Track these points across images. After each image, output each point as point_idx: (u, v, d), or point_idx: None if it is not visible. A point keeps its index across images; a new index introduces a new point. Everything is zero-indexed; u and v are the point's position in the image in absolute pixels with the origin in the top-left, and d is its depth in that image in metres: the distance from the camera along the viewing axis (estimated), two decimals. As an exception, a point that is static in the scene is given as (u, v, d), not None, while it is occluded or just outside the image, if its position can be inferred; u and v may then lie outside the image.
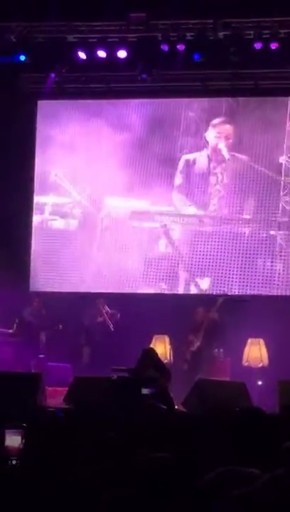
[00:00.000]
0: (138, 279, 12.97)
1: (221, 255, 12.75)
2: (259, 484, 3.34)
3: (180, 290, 12.96)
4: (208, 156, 13.06)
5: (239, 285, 12.68)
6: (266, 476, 3.40)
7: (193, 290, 12.91)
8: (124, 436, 4.26)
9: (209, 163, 13.04)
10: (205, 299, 12.48)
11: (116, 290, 12.85)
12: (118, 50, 12.15)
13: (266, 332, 11.45)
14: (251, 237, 12.74)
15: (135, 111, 13.25)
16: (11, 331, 12.18)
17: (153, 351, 9.64)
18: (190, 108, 13.14)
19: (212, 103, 13.12)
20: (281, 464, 3.56)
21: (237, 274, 12.67)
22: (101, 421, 4.78)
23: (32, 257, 13.29)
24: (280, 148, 12.69)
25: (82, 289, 13.02)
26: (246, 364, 11.70)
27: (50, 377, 10.55)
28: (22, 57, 12.38)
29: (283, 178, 12.68)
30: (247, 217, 12.79)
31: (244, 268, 12.65)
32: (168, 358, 11.74)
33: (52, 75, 12.77)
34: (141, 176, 13.08)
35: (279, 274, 12.61)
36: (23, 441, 4.20)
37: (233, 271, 12.68)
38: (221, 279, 12.73)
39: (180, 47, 11.95)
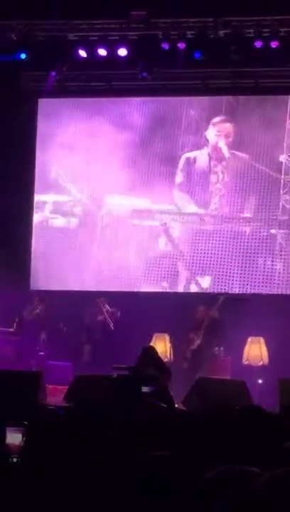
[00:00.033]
0: (138, 277, 12.97)
1: (221, 254, 12.76)
2: (259, 483, 3.35)
3: (181, 289, 12.96)
4: (209, 155, 13.06)
5: (240, 284, 12.68)
6: (266, 474, 3.40)
7: (194, 289, 12.92)
8: (124, 435, 4.27)
9: (209, 162, 13.05)
10: (205, 298, 12.49)
11: (116, 288, 12.85)
12: (118, 49, 12.16)
13: (267, 330, 11.45)
14: (252, 235, 12.74)
15: (136, 109, 13.25)
16: (11, 329, 12.19)
17: (153, 349, 9.64)
18: (191, 106, 13.14)
19: (213, 101, 13.13)
20: (281, 463, 3.56)
21: (237, 273, 12.68)
22: (102, 419, 4.78)
23: (32, 255, 13.29)
24: (280, 146, 12.69)
25: (83, 287, 13.02)
26: (246, 362, 11.71)
27: (51, 375, 10.55)
28: (23, 56, 12.39)
29: (283, 177, 12.68)
30: (248, 215, 12.79)
31: (245, 267, 12.66)
32: (169, 356, 11.75)
33: (53, 73, 12.76)
34: (142, 174, 13.08)
35: (279, 272, 12.62)
36: (24, 439, 4.21)
37: (233, 269, 12.69)
38: (221, 278, 12.73)
39: (181, 45, 11.95)
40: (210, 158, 13.06)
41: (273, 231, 12.70)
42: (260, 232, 12.72)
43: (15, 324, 12.22)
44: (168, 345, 11.94)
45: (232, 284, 12.70)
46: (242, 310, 11.67)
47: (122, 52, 12.16)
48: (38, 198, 13.44)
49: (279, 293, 12.54)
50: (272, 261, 12.66)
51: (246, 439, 3.76)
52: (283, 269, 12.61)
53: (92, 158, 13.21)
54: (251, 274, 12.62)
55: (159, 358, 9.37)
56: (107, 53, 12.22)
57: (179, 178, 13.09)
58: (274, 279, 12.59)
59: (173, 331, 11.99)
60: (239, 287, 12.68)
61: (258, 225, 12.73)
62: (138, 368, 8.87)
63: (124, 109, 13.29)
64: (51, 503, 3.47)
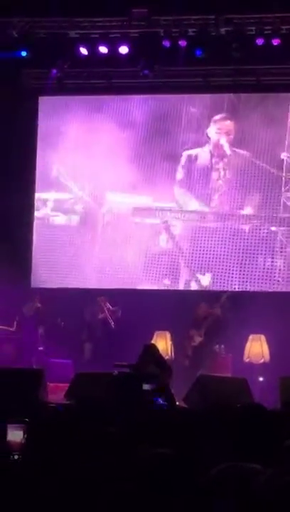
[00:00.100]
0: (139, 275, 12.97)
1: (222, 251, 12.76)
2: (260, 481, 3.35)
3: (181, 286, 12.97)
4: (210, 152, 13.05)
5: (240, 281, 12.68)
6: (268, 472, 3.40)
7: (194, 286, 12.92)
8: (125, 432, 4.27)
9: (211, 159, 13.04)
10: (205, 295, 12.50)
11: (117, 286, 12.85)
12: (120, 46, 12.15)
13: (268, 328, 11.46)
14: (253, 233, 12.74)
15: (137, 107, 13.24)
16: (11, 329, 12.19)
17: (154, 347, 9.65)
18: (192, 104, 13.13)
19: (214, 99, 13.12)
20: (282, 461, 3.56)
21: (238, 270, 12.68)
22: (103, 416, 4.79)
23: (33, 253, 13.29)
24: (282, 144, 12.69)
25: (83, 285, 13.02)
26: (247, 360, 11.71)
27: (52, 373, 10.56)
28: (24, 53, 12.38)
29: (284, 174, 12.68)
30: (249, 213, 12.79)
31: (245, 264, 12.66)
32: (170, 354, 11.76)
33: (54, 71, 12.75)
34: (143, 172, 13.07)
35: (280, 270, 12.62)
36: (25, 436, 4.21)
37: (234, 267, 12.69)
38: (222, 275, 12.73)
39: (182, 43, 11.95)
40: (212, 155, 13.05)
41: (273, 228, 12.70)
42: (261, 229, 12.72)
43: (15, 323, 12.23)
44: (169, 342, 11.95)
45: (233, 281, 12.70)
46: (243, 308, 11.68)
47: (123, 49, 12.16)
48: (38, 195, 13.44)
49: (280, 290, 12.54)
50: (273, 258, 12.66)
51: (247, 437, 3.76)
52: (284, 267, 12.61)
53: (93, 156, 13.20)
54: (252, 272, 12.62)
55: (160, 356, 9.38)
56: (108, 51, 12.21)
57: (180, 175, 13.09)
58: (275, 277, 12.59)
59: (174, 329, 11.99)
60: (240, 285, 12.68)
61: (259, 222, 12.73)
62: (139, 365, 8.87)
63: (125, 106, 13.28)
64: (52, 500, 3.47)
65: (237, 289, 12.59)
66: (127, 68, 12.59)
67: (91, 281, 13.11)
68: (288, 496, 3.16)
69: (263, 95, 12.93)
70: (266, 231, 12.71)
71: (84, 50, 12.29)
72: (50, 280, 13.18)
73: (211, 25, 11.85)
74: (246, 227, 12.78)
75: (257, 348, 11.69)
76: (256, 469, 3.51)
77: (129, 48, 12.14)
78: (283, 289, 12.54)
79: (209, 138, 13.06)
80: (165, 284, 12.97)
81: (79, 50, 12.30)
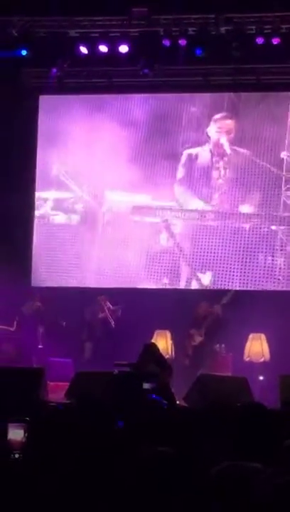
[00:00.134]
0: (139, 274, 12.98)
1: (222, 250, 12.76)
2: (260, 480, 3.35)
3: (182, 285, 12.97)
4: (211, 151, 13.06)
5: (241, 280, 12.69)
6: (268, 471, 3.41)
7: (195, 285, 12.93)
8: (126, 431, 4.27)
9: (211, 158, 13.05)
10: (206, 294, 12.50)
11: (117, 285, 12.85)
12: (120, 45, 12.15)
13: (268, 327, 11.46)
14: (253, 231, 12.74)
15: (137, 106, 13.24)
16: (11, 329, 12.19)
17: (154, 346, 9.65)
18: (192, 103, 13.13)
19: (214, 98, 13.12)
20: (281, 461, 3.57)
21: (238, 269, 12.68)
22: (103, 416, 4.79)
23: (33, 252, 13.29)
24: (282, 143, 12.69)
25: (84, 284, 13.03)
26: (247, 359, 11.72)
27: (52, 372, 10.55)
28: (24, 52, 12.37)
29: (284, 173, 12.68)
30: (249, 211, 12.80)
31: (246, 263, 12.66)
32: (170, 353, 11.75)
33: (54, 70, 12.74)
34: (143, 170, 13.07)
35: (280, 268, 12.63)
36: (26, 435, 4.22)
37: (234, 265, 12.69)
38: (222, 274, 12.74)
39: (182, 42, 11.95)
40: (212, 154, 13.06)
41: (274, 227, 12.70)
42: (261, 228, 12.73)
43: (15, 323, 12.23)
44: (170, 341, 11.95)
45: (233, 280, 12.70)
46: (244, 306, 11.68)
47: (123, 48, 12.15)
48: (39, 194, 13.44)
49: (280, 289, 12.55)
50: (273, 257, 12.67)
51: (247, 436, 3.76)
52: (284, 266, 12.61)
53: (93, 155, 13.20)
54: (252, 270, 12.63)
55: (160, 355, 9.37)
56: (108, 50, 12.21)
57: (180, 174, 13.09)
58: (275, 275, 12.60)
59: (174, 328, 11.99)
60: (240, 284, 12.69)
61: (259, 221, 12.74)
62: (140, 364, 8.88)
63: (125, 105, 13.28)
64: (53, 498, 3.48)
65: (237, 288, 12.60)
66: (127, 67, 12.59)
67: (91, 280, 13.11)
68: (288, 496, 3.17)
69: (263, 94, 12.94)
70: (266, 230, 12.72)
71: (84, 49, 12.29)
72: (50, 279, 13.18)
73: (211, 25, 11.85)
74: (247, 226, 12.79)
75: (257, 347, 11.69)
76: (257, 468, 3.52)
77: (129, 47, 12.14)
78: (284, 288, 12.54)
79: (209, 137, 13.06)
80: (165, 283, 12.98)
81: (79, 49, 12.29)
